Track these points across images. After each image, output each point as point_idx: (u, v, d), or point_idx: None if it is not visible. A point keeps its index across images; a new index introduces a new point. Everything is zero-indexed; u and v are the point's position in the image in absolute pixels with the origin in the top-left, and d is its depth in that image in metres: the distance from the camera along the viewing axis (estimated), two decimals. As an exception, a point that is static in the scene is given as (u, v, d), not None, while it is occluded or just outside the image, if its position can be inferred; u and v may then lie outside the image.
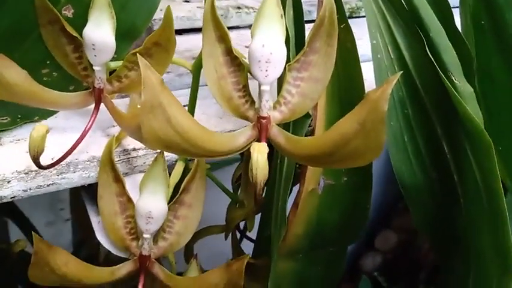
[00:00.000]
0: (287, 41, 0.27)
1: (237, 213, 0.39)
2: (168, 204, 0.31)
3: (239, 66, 0.27)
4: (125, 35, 0.31)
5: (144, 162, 0.33)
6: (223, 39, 0.27)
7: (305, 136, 0.30)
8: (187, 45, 0.47)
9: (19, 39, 0.30)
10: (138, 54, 0.23)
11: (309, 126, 0.30)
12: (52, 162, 0.29)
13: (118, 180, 0.31)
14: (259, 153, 0.23)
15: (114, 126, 0.34)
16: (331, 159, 0.25)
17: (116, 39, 0.30)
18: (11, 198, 0.29)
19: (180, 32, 0.50)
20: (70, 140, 0.32)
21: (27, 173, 0.30)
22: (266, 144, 0.23)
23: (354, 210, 0.36)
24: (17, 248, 0.43)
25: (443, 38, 0.26)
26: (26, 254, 0.54)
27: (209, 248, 0.47)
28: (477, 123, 0.25)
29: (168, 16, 0.28)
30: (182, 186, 0.32)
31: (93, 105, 0.31)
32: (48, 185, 0.30)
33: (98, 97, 0.31)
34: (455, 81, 0.26)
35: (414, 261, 1.07)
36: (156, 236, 0.31)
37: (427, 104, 0.28)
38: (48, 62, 0.31)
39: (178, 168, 0.34)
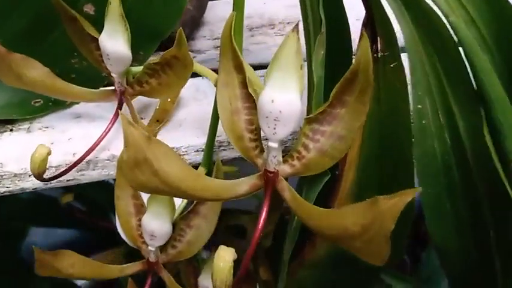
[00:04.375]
0: (310, 87, 0.23)
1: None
2: (181, 214, 0.31)
3: (255, 103, 0.24)
4: (150, 35, 0.29)
5: (166, 164, 0.32)
6: (240, 69, 0.24)
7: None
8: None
9: (44, 32, 0.29)
10: (120, 113, 0.20)
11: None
12: (71, 164, 0.29)
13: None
14: (224, 262, 0.20)
15: (142, 118, 0.33)
16: (331, 239, 0.22)
17: (141, 39, 0.28)
18: (33, 189, 0.31)
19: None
20: (96, 131, 0.31)
21: (47, 169, 0.30)
22: (234, 250, 0.21)
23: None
24: (65, 200, 0.46)
25: (509, 119, 0.20)
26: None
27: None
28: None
29: (180, 36, 0.24)
30: (199, 196, 0.31)
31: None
32: (67, 180, 0.31)
33: (120, 98, 0.30)
34: (517, 172, 0.20)
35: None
36: (166, 244, 0.31)
37: (477, 182, 0.23)
38: (75, 54, 0.30)
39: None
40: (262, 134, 0.24)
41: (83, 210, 0.48)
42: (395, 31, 0.23)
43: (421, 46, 0.22)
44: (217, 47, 0.41)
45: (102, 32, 0.26)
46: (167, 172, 0.22)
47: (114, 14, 0.25)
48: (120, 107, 0.30)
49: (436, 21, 0.21)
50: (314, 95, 0.22)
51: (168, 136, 0.32)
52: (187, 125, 0.34)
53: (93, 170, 0.31)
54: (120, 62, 0.27)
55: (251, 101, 0.24)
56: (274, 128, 0.22)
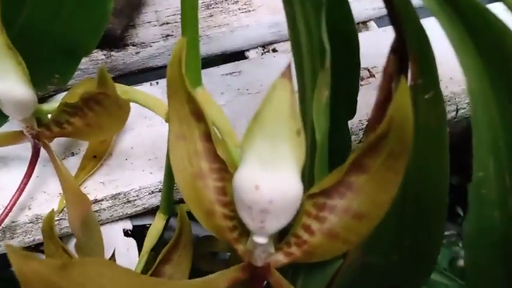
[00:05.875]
0: (312, 146, 0.15)
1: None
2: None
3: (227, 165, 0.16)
4: (66, 54, 0.20)
5: (111, 215, 0.24)
6: (199, 116, 0.16)
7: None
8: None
9: None
10: (6, 245, 0.12)
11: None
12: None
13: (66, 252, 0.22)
14: None
15: (73, 154, 0.25)
16: None
17: (53, 60, 0.19)
18: None
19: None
20: (11, 181, 0.23)
21: None
22: None
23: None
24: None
25: None
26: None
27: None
28: None
29: (101, 75, 0.16)
30: (161, 254, 0.24)
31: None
32: (-23, 255, 0.23)
33: (34, 143, 0.21)
34: None
35: None
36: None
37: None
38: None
39: (158, 224, 0.25)
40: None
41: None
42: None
43: (491, 93, 0.14)
44: (168, 35, 0.31)
45: (-17, 67, 0.17)
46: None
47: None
48: (36, 152, 0.21)
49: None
50: (317, 158, 0.15)
51: (111, 177, 0.24)
52: (136, 156, 0.25)
53: (12, 238, 0.23)
54: (18, 107, 0.18)
55: (221, 161, 0.16)
56: (262, 222, 0.14)
